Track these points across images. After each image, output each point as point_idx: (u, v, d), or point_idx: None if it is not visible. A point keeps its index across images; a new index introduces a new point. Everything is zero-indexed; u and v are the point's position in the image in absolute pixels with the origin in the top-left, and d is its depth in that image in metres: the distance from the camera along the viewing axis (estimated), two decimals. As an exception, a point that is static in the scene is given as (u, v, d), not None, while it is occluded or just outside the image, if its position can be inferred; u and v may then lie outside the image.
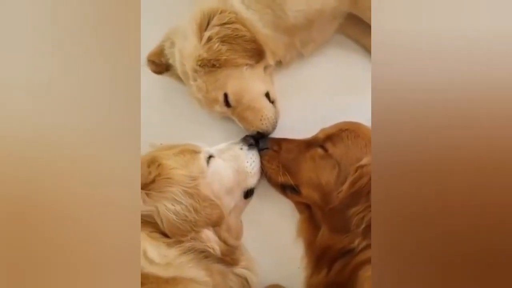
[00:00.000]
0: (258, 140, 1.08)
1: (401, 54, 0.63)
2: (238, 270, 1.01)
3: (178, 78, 1.13)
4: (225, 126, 1.17)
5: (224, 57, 0.98)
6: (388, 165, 0.62)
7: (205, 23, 1.00)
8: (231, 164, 1.03)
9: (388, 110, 0.63)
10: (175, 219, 0.88)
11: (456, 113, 0.60)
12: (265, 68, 1.09)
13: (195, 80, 1.03)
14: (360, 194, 0.90)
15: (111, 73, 0.63)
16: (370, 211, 0.89)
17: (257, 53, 1.03)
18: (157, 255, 0.86)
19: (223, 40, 0.98)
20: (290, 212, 1.11)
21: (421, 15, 0.62)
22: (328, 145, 0.98)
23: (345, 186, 0.92)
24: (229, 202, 1.02)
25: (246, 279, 1.02)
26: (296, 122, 1.14)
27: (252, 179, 1.06)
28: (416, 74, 0.62)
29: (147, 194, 0.89)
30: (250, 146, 1.07)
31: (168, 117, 1.21)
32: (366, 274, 0.89)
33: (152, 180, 0.90)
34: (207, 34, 0.98)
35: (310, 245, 1.04)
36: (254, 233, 1.09)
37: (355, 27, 1.16)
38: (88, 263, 0.61)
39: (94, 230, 0.61)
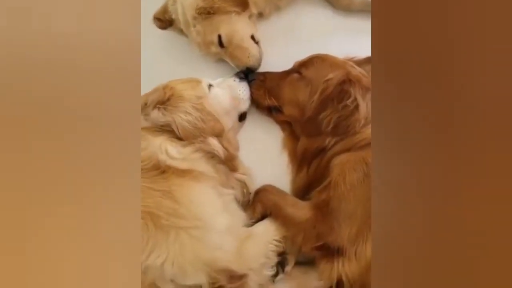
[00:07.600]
0: (247, 74, 1.33)
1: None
2: (238, 175, 1.25)
3: (180, 31, 1.39)
4: (220, 67, 1.41)
5: (217, 5, 1.24)
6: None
7: (200, -21, 1.24)
8: (227, 91, 1.28)
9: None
10: (188, 126, 1.13)
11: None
12: (250, 16, 1.34)
13: (194, 26, 1.28)
14: (327, 100, 1.15)
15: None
16: (336, 113, 1.16)
17: (242, 3, 1.29)
18: (176, 152, 1.10)
19: (216, -9, 1.23)
20: (275, 131, 1.37)
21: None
22: (302, 70, 1.24)
23: (315, 96, 1.17)
24: (228, 122, 1.26)
25: (244, 182, 1.26)
26: (277, 61, 1.38)
27: (244, 104, 1.30)
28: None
29: (165, 109, 1.14)
30: (241, 78, 1.32)
31: (173, 64, 1.46)
32: (335, 162, 1.15)
33: (167, 98, 1.15)
34: (203, -13, 1.23)
35: (293, 154, 1.31)
36: (248, 148, 1.33)
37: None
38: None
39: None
